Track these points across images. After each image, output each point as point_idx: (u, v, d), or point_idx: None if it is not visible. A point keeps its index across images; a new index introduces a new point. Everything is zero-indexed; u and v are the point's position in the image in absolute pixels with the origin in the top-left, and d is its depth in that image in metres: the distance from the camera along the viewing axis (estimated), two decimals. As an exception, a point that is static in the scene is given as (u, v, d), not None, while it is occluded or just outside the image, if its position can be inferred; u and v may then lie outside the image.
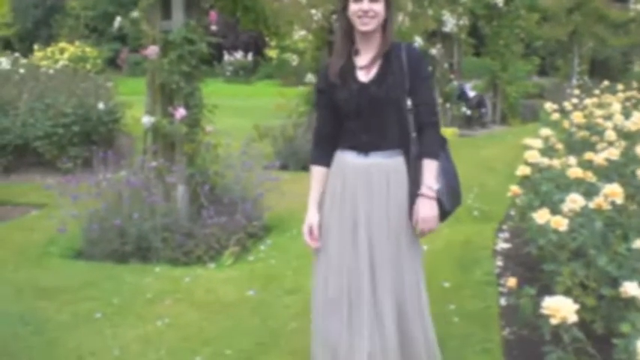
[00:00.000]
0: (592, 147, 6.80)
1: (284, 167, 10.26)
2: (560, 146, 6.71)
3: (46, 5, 35.88)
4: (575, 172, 4.88)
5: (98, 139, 10.93)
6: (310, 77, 11.86)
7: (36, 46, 27.34)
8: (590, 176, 4.97)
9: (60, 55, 26.14)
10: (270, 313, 5.05)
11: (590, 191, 4.83)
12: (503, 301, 5.13)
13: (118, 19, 7.24)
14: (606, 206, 4.04)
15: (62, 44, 27.72)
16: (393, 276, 3.40)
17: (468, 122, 17.48)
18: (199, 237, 6.45)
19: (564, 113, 9.20)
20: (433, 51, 16.56)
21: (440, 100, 16.84)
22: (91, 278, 5.87)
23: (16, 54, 19.04)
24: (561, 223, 3.85)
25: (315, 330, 3.65)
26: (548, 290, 4.27)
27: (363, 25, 3.31)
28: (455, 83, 17.49)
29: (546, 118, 9.40)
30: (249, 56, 33.88)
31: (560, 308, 2.72)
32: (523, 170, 5.19)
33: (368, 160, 3.41)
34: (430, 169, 3.37)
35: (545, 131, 6.76)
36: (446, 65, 17.35)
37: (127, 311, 5.15)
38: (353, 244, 3.42)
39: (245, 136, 8.48)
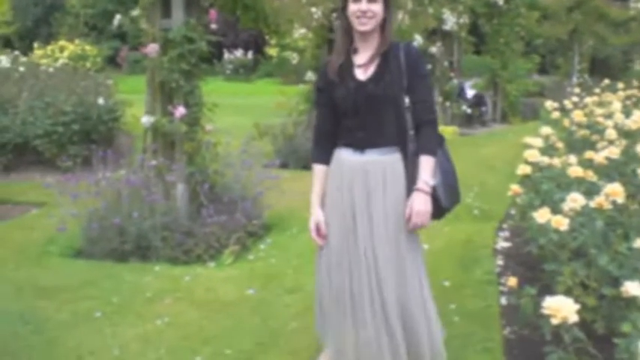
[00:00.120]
0: (592, 146, 6.79)
1: (284, 166, 10.26)
2: (560, 145, 6.70)
3: (46, 3, 35.89)
4: (575, 171, 4.87)
5: (98, 138, 10.92)
6: (310, 75, 11.84)
7: (36, 45, 27.32)
8: (590, 175, 4.96)
9: (60, 53, 26.13)
10: (270, 312, 5.03)
11: (590, 190, 4.82)
12: (503, 301, 5.12)
13: (118, 17, 7.21)
14: (607, 205, 4.02)
15: (62, 42, 27.70)
16: (394, 273, 3.43)
17: (468, 121, 17.47)
18: (199, 236, 6.44)
19: (565, 112, 9.19)
20: (433, 49, 16.54)
21: (440, 99, 16.84)
22: (90, 277, 5.86)
23: (16, 52, 19.02)
24: (562, 223, 3.84)
25: (319, 325, 3.76)
26: (548, 290, 4.26)
27: (361, 25, 3.38)
28: (455, 82, 17.47)
29: (547, 117, 9.38)
30: (250, 54, 33.88)
31: (561, 308, 2.71)
32: (523, 169, 5.18)
33: (364, 158, 3.47)
34: (427, 165, 3.41)
35: (546, 130, 6.74)
36: (446, 63, 17.33)
37: (126, 310, 5.14)
38: (353, 241, 3.47)
39: (245, 135, 8.47)
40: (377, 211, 3.44)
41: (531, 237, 5.02)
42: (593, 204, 4.11)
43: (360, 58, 3.51)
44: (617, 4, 23.56)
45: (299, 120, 11.67)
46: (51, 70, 14.03)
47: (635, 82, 15.33)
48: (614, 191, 4.01)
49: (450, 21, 16.35)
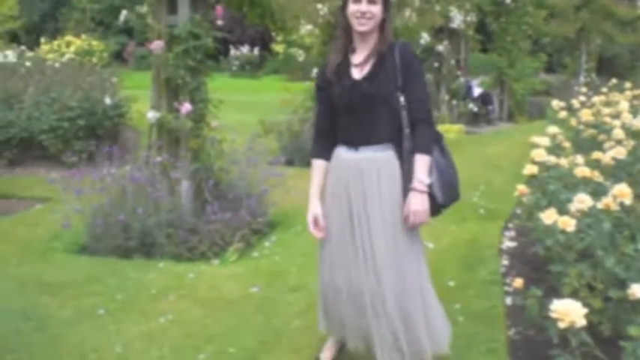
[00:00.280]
0: (599, 145, 6.76)
1: (289, 163, 10.21)
2: (567, 144, 6.66)
3: (53, -1, 35.92)
4: (582, 171, 4.84)
5: (103, 134, 10.91)
6: (316, 72, 11.80)
7: (42, 39, 27.31)
8: (597, 175, 4.93)
9: (66, 48, 26.10)
10: (274, 310, 5.01)
11: (597, 191, 4.79)
12: (508, 301, 5.08)
13: (124, 12, 7.21)
14: (615, 207, 3.99)
15: (69, 37, 27.68)
16: (392, 271, 3.48)
17: (474, 119, 17.42)
18: (203, 233, 6.42)
19: (572, 111, 9.15)
20: (440, 47, 16.51)
21: (446, 97, 16.80)
22: (94, 273, 5.84)
23: (23, 47, 19.02)
24: (569, 224, 3.81)
25: (322, 325, 3.92)
26: (554, 291, 4.24)
27: (360, 26, 3.47)
28: (462, 80, 17.42)
29: (553, 116, 9.34)
30: (256, 51, 33.86)
31: (569, 312, 2.68)
32: (530, 169, 5.14)
33: (358, 155, 3.56)
34: (422, 163, 3.46)
35: (553, 129, 6.71)
36: (453, 62, 17.29)
37: (130, 307, 5.12)
38: (351, 238, 3.56)
39: (251, 132, 8.45)
40: (373, 209, 3.50)
41: (538, 238, 4.99)
42: (600, 205, 4.08)
43: (357, 58, 3.60)
44: (625, 3, 23.48)
45: (305, 117, 11.63)
46: (57, 65, 14.00)
47: (642, 82, 15.28)
48: (622, 192, 3.98)
49: (457, 19, 16.30)
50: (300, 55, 19.60)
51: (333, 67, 3.61)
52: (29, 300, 5.23)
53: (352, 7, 3.46)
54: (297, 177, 8.35)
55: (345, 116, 3.59)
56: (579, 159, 5.56)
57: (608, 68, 25.22)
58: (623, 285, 3.73)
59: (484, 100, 17.93)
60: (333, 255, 3.66)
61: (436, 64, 16.87)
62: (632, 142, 6.17)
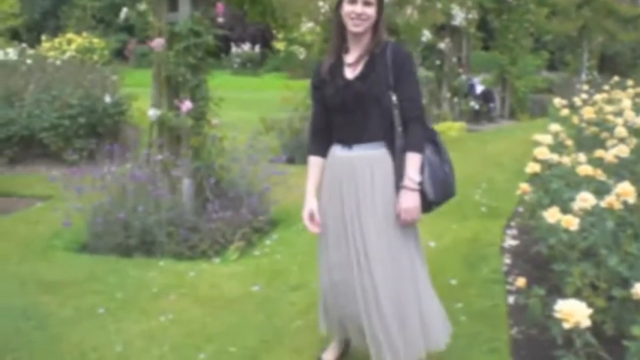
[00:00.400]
0: (602, 143, 6.73)
1: (290, 161, 10.16)
2: (569, 142, 6.64)
3: (54, -4, 35.87)
4: (585, 169, 4.81)
5: (104, 131, 10.89)
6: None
7: (44, 37, 27.28)
8: (600, 174, 4.90)
9: (67, 45, 26.07)
10: (275, 309, 4.99)
11: (600, 189, 4.76)
12: (511, 300, 5.06)
13: (125, 9, 7.18)
14: (618, 206, 3.96)
15: (70, 35, 27.65)
16: (385, 268, 3.51)
17: (475, 117, 17.37)
18: (204, 231, 6.39)
19: (574, 109, 9.11)
20: (442, 45, 16.47)
21: (448, 95, 16.76)
22: (95, 272, 5.82)
23: (24, 44, 18.99)
24: (572, 223, 3.78)
25: (323, 326, 3.96)
26: (557, 290, 4.21)
27: (354, 27, 3.51)
28: (463, 77, 17.38)
29: (555, 114, 9.32)
30: (257, 48, 33.82)
31: (574, 312, 2.66)
32: (533, 167, 5.11)
33: (352, 153, 3.61)
34: (413, 161, 3.50)
35: (555, 127, 6.68)
36: (454, 59, 17.24)
37: (130, 306, 5.10)
38: (345, 237, 3.60)
39: (252, 129, 8.42)
40: (366, 207, 3.54)
41: (541, 236, 4.96)
42: (603, 204, 4.05)
43: (350, 57, 3.64)
44: (627, 1, 23.44)
45: (306, 115, 11.56)
46: (58, 62, 13.98)
47: (644, 80, 15.24)
48: (625, 191, 3.95)
49: (459, 16, 16.26)
50: (302, 52, 19.60)
51: (327, 66, 3.66)
52: (29, 299, 5.22)
53: (347, 8, 3.48)
54: (299, 175, 8.28)
55: (339, 115, 3.64)
56: (582, 157, 5.53)
57: (609, 66, 25.17)
58: (626, 284, 3.71)
59: (486, 97, 17.89)
60: (330, 254, 3.71)
61: (438, 62, 16.83)
62: (634, 140, 6.14)
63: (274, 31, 29.01)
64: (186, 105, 6.50)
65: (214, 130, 6.97)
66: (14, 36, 27.88)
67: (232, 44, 33.14)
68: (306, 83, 12.31)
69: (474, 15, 17.12)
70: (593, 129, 7.59)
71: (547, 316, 3.76)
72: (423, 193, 3.53)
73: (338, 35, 3.65)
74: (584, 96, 10.29)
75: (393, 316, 3.49)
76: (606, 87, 12.50)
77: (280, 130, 11.45)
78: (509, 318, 4.75)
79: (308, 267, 5.70)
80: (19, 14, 27.47)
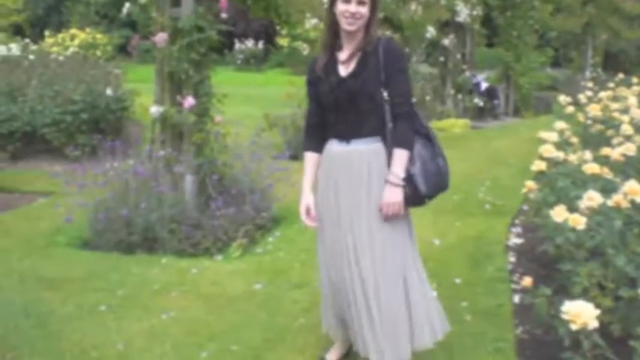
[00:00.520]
0: (607, 141, 6.69)
1: (294, 157, 10.10)
2: (575, 140, 6.59)
3: (57, -9, 35.81)
4: (591, 168, 4.77)
5: (107, 127, 10.85)
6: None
7: (47, 33, 27.24)
8: (606, 172, 4.85)
9: (71, 41, 26.03)
10: (278, 307, 4.94)
11: (606, 187, 4.72)
12: (516, 299, 5.01)
13: (127, 4, 7.13)
14: (625, 204, 3.92)
15: (73, 31, 27.60)
16: (372, 259, 3.52)
17: (479, 114, 17.31)
18: (207, 228, 6.35)
19: (579, 106, 9.07)
20: (446, 41, 16.41)
21: (452, 92, 16.70)
22: (96, 269, 5.78)
23: (27, 40, 18.96)
24: (579, 222, 3.74)
25: (326, 326, 3.97)
26: (563, 290, 4.17)
27: (348, 25, 3.53)
28: (467, 74, 17.31)
29: (560, 111, 9.28)
30: (260, 45, 33.75)
31: (581, 313, 2.61)
32: (539, 165, 5.07)
33: (349, 147, 3.63)
34: (399, 158, 3.53)
35: (560, 124, 6.64)
36: (458, 56, 17.18)
37: (132, 303, 5.06)
38: (340, 228, 3.63)
39: (255, 125, 8.38)
40: (360, 201, 3.58)
41: (547, 235, 4.92)
42: (610, 203, 4.00)
43: (343, 55, 3.66)
44: (632, -2, 23.34)
45: (309, 111, 11.53)
46: (61, 58, 13.94)
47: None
48: (633, 190, 3.91)
49: (464, 13, 16.20)
50: (305, 48, 19.47)
51: (321, 63, 3.70)
52: (30, 295, 5.18)
53: (341, 7, 3.51)
54: (302, 172, 8.26)
55: (334, 112, 3.67)
56: (588, 155, 5.49)
57: (614, 63, 25.04)
58: (633, 284, 3.68)
59: (490, 94, 17.82)
60: (327, 251, 3.75)
61: (441, 59, 16.77)
62: (640, 138, 6.09)
63: (278, 27, 28.95)
64: (189, 101, 6.46)
65: (217, 127, 6.93)
66: (17, 31, 27.83)
67: (236, 40, 33.06)
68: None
69: (478, 11, 17.05)
70: (599, 126, 7.55)
71: (553, 315, 3.72)
72: (415, 187, 3.55)
73: (331, 33, 3.67)
74: (589, 93, 10.24)
75: (378, 311, 3.50)
76: (611, 84, 12.44)
77: (283, 127, 11.40)
78: (515, 317, 4.71)
79: (311, 264, 5.66)
80: (22, 10, 27.47)
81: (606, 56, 25.15)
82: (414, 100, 3.68)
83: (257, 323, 4.69)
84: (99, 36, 27.66)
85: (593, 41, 22.85)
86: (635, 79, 12.23)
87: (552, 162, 5.35)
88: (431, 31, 14.74)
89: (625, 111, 7.63)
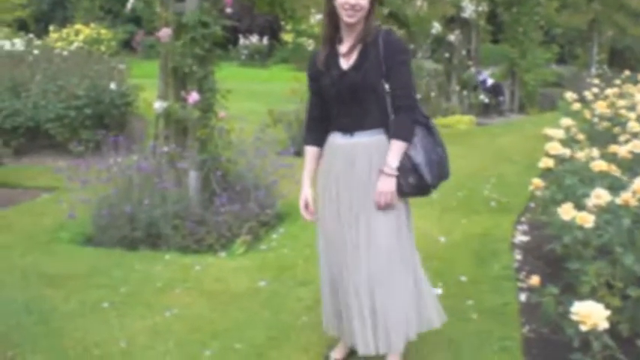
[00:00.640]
0: (614, 138, 6.64)
1: (298, 154, 10.05)
2: (581, 137, 6.55)
3: (62, -14, 35.77)
4: (599, 165, 4.72)
5: (110, 122, 10.81)
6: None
7: (51, 28, 27.22)
8: (614, 169, 4.81)
9: (75, 36, 26.00)
10: (282, 305, 4.90)
11: (614, 185, 4.68)
12: (522, 297, 4.96)
13: (131, 0, 7.09)
14: (634, 203, 3.87)
15: (78, 26, 27.57)
16: (372, 250, 3.56)
17: (485, 110, 17.24)
18: (211, 224, 6.31)
19: (585, 103, 9.02)
20: (451, 37, 16.34)
21: (457, 88, 16.63)
22: (99, 265, 5.75)
23: (31, 35, 18.93)
24: (587, 220, 3.69)
25: (324, 304, 3.95)
26: (571, 289, 4.12)
27: (348, 18, 3.52)
28: (472, 70, 17.24)
29: (566, 108, 9.23)
30: (265, 40, 33.69)
31: (591, 314, 2.57)
32: (546, 162, 5.02)
33: (353, 140, 3.64)
34: (395, 149, 3.54)
35: (566, 121, 6.59)
36: (464, 52, 17.10)
37: (135, 300, 5.02)
38: (340, 221, 3.66)
39: (259, 121, 8.34)
40: (360, 192, 3.59)
41: (554, 233, 4.87)
42: (619, 200, 3.96)
43: (343, 48, 3.66)
44: (638, -5, 23.25)
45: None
46: (65, 53, 13.90)
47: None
48: (642, 187, 3.86)
49: (469, 9, 16.12)
50: (310, 44, 19.42)
51: (322, 57, 3.70)
52: (32, 292, 5.14)
53: None
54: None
55: (337, 105, 3.67)
56: (595, 152, 5.44)
57: (619, 60, 25.00)
58: (642, 283, 3.63)
59: (495, 91, 17.75)
60: (328, 245, 3.77)
61: (447, 55, 16.70)
62: (648, 135, 6.04)
63: (282, 23, 28.89)
64: (193, 97, 6.42)
65: (221, 123, 6.89)
66: (22, 26, 27.79)
67: (240, 36, 33.01)
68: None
69: (483, 7, 16.97)
70: (606, 123, 7.50)
71: (560, 314, 3.68)
72: (420, 177, 3.57)
73: (331, 26, 3.67)
74: (595, 90, 10.18)
75: (369, 300, 3.54)
76: (617, 81, 12.38)
77: (288, 123, 11.34)
78: (521, 316, 4.66)
79: (315, 261, 5.56)
80: (26, 5, 27.41)
81: (612, 53, 25.11)
82: (415, 92, 3.69)
83: (261, 321, 4.65)
84: (103, 31, 27.63)
85: (598, 38, 22.80)
86: (641, 76, 12.18)
87: (559, 159, 5.31)
88: (436, 27, 14.69)
89: (632, 108, 7.59)
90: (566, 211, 3.84)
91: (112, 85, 10.63)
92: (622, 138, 6.44)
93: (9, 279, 5.45)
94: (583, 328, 2.59)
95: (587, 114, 8.19)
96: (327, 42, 3.71)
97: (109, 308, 4.86)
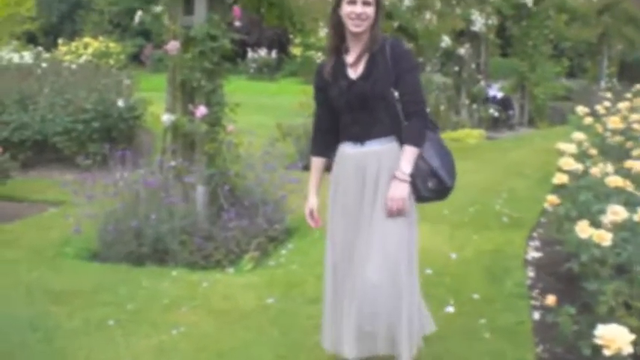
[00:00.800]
0: (627, 153, 6.56)
1: (307, 168, 9.96)
2: (593, 151, 6.46)
3: (71, 0, 35.87)
4: (615, 181, 4.63)
5: (118, 136, 10.76)
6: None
7: (60, 41, 27.30)
8: (628, 185, 4.72)
9: (84, 50, 26.08)
10: (291, 323, 4.80)
11: (629, 201, 4.58)
12: (536, 316, 4.85)
13: (139, 13, 7.05)
14: (653, 220, 3.78)
15: (86, 39, 27.67)
16: (376, 259, 3.50)
17: (494, 124, 17.13)
18: (219, 240, 6.23)
19: (596, 117, 8.92)
20: (461, 51, 16.26)
21: (466, 102, 16.54)
22: (105, 281, 5.67)
23: (40, 48, 18.95)
24: (605, 238, 3.60)
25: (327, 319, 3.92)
26: (587, 308, 4.03)
27: (355, 27, 3.53)
28: (482, 84, 17.15)
29: (577, 122, 9.13)
30: (273, 53, 33.71)
31: (616, 338, 2.47)
32: (560, 178, 4.93)
33: (364, 149, 3.65)
34: (408, 154, 3.55)
35: (578, 135, 6.50)
36: (473, 66, 17.02)
37: (141, 318, 4.93)
38: (349, 229, 3.68)
39: (268, 134, 8.27)
40: (369, 200, 3.60)
41: (570, 251, 4.77)
42: (636, 217, 3.86)
43: (350, 57, 3.67)
44: (647, 8, 23.16)
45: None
46: (73, 66, 13.89)
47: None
48: (660, 205, 3.76)
49: (479, 22, 16.04)
50: (318, 57, 19.36)
51: (329, 68, 3.70)
52: (37, 309, 5.07)
53: (347, 9, 3.51)
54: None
55: (345, 114, 3.68)
56: (610, 167, 5.35)
57: (629, 74, 24.86)
58: (662, 304, 3.53)
59: (504, 104, 17.66)
60: (336, 253, 3.77)
61: (456, 68, 16.61)
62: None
63: (290, 37, 28.89)
64: (201, 111, 6.36)
65: (229, 137, 6.82)
66: (31, 39, 27.87)
67: (248, 49, 33.03)
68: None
69: (493, 21, 16.88)
70: (618, 138, 7.40)
71: (576, 333, 3.59)
72: (439, 180, 3.59)
73: (337, 36, 3.68)
74: (607, 104, 10.08)
75: (372, 308, 3.49)
76: (628, 95, 12.28)
77: (296, 137, 11.27)
78: (535, 335, 4.55)
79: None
80: (36, 18, 27.50)
81: (622, 66, 24.98)
82: (424, 98, 3.70)
83: (269, 340, 4.55)
84: (112, 45, 27.75)
85: (608, 51, 22.71)
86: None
87: (573, 174, 5.22)
88: (446, 41, 14.61)
89: (644, 122, 7.49)
90: (584, 229, 3.75)
91: (120, 103, 10.57)
92: (635, 152, 6.35)
93: (14, 295, 5.38)
94: (607, 352, 2.49)
95: (599, 128, 8.09)
96: (334, 52, 3.71)
97: (115, 326, 4.77)
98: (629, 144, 6.96)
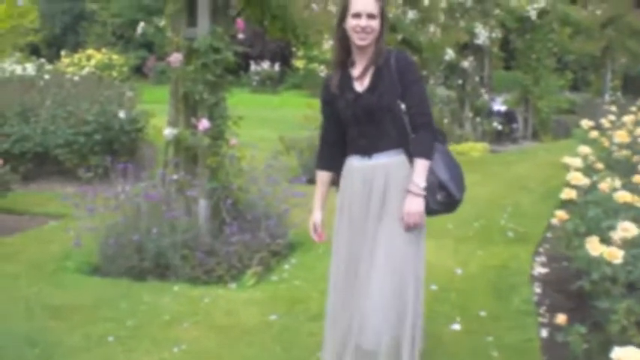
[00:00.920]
0: (633, 167, 6.48)
1: (310, 182, 9.89)
2: (600, 165, 6.38)
3: (74, 12, 35.92)
4: (624, 196, 4.54)
5: (120, 149, 10.70)
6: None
7: (63, 53, 27.31)
8: (637, 200, 4.63)
9: (87, 61, 26.08)
10: (294, 340, 4.72)
11: (638, 217, 4.50)
12: (544, 333, 4.77)
13: (142, 24, 7.00)
14: (664, 237, 3.69)
15: (89, 51, 27.68)
16: (383, 276, 3.50)
17: (498, 137, 17.08)
18: (221, 255, 6.15)
19: (601, 130, 8.84)
20: (465, 64, 16.22)
21: (470, 115, 16.49)
22: (106, 296, 5.59)
23: (42, 60, 18.93)
24: (616, 256, 3.52)
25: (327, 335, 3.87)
26: (597, 327, 3.95)
27: (360, 40, 3.53)
28: (486, 97, 17.10)
29: (582, 135, 9.05)
30: (276, 66, 33.70)
31: (632, 362, 2.40)
32: (568, 193, 4.84)
33: (371, 162, 3.64)
34: (419, 167, 3.53)
35: (584, 149, 6.42)
36: (477, 79, 16.97)
37: (142, 335, 4.85)
38: (358, 244, 3.64)
39: (271, 148, 8.20)
40: (376, 213, 3.59)
41: (579, 267, 4.69)
42: (648, 234, 3.78)
43: (356, 71, 3.67)
44: (651, 21, 23.13)
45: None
46: (76, 78, 13.84)
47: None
48: (672, 221, 3.68)
49: (483, 35, 16.00)
50: (322, 70, 19.36)
51: (336, 81, 3.69)
52: (36, 324, 4.99)
53: (352, 22, 3.51)
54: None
55: (352, 127, 3.68)
56: (618, 182, 5.27)
57: (632, 87, 24.82)
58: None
59: (508, 117, 17.60)
60: (340, 266, 3.74)
61: (460, 81, 16.56)
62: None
63: (293, 49, 28.88)
64: (204, 124, 6.29)
65: (232, 150, 6.75)
66: (34, 51, 27.88)
67: (251, 62, 33.01)
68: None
69: (497, 34, 16.85)
70: (625, 152, 7.32)
71: (586, 352, 3.51)
72: (448, 194, 3.56)
73: (342, 49, 3.67)
74: (612, 117, 10.00)
75: (371, 328, 3.48)
76: (632, 108, 12.20)
77: (300, 150, 11.19)
78: (543, 353, 4.47)
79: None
80: (39, 29, 27.51)
81: (625, 80, 24.93)
82: (430, 109, 3.68)
83: (271, 357, 4.48)
84: (115, 56, 27.75)
85: (612, 64, 22.65)
86: (656, 104, 12.00)
87: (580, 189, 5.14)
88: (449, 54, 14.57)
89: (652, 136, 7.42)
90: (594, 247, 3.67)
91: (122, 115, 10.51)
92: (641, 167, 6.28)
93: (14, 309, 5.31)
94: (622, 376, 2.42)
95: (604, 142, 8.01)
96: (339, 66, 3.71)
97: (115, 343, 4.69)
98: (635, 158, 6.88)
